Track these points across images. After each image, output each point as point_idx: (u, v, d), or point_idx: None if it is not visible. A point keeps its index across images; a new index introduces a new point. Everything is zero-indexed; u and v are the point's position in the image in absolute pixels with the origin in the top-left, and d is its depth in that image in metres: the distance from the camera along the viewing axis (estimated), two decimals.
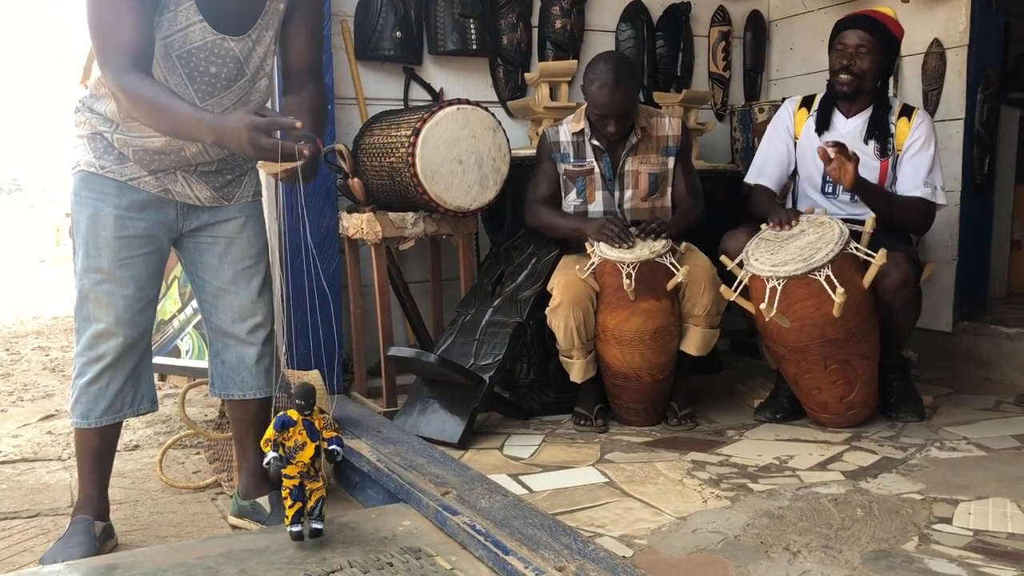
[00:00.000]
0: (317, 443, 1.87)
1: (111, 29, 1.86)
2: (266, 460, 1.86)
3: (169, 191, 2.12)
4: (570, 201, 3.03)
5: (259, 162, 1.84)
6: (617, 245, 2.74)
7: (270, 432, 1.86)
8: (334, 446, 1.89)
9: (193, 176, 2.13)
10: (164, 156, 2.07)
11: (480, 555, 1.84)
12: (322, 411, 1.91)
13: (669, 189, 3.04)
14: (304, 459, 1.86)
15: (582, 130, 3.01)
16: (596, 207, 3.01)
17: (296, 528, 1.89)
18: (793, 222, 2.76)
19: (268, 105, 2.17)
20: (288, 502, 1.89)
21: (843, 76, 2.90)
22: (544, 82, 3.55)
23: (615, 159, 2.99)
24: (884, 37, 2.89)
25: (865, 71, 2.88)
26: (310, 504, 1.90)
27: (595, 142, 2.99)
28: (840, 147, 2.72)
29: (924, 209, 2.92)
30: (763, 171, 3.08)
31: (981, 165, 3.63)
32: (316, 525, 1.91)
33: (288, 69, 2.14)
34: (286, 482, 1.87)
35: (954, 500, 2.17)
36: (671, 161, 3.03)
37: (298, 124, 1.78)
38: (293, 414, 1.86)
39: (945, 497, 2.19)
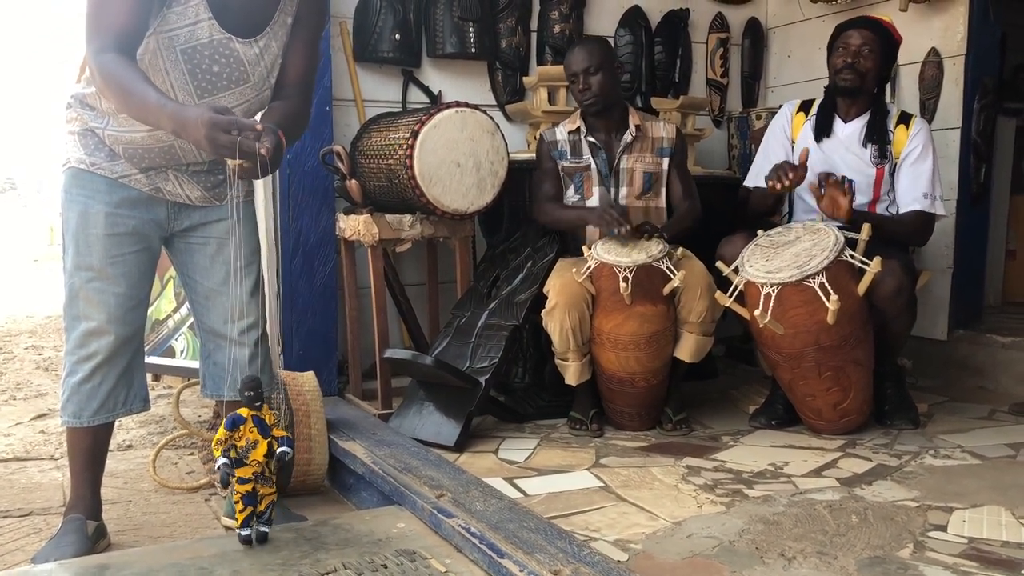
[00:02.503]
0: (269, 440, 1.85)
1: (107, 8, 1.87)
2: (216, 465, 1.84)
3: (160, 190, 2.10)
4: (568, 198, 3.07)
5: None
6: (617, 229, 2.77)
7: (221, 432, 1.84)
8: (284, 447, 1.87)
9: (184, 175, 2.12)
10: (154, 153, 2.06)
11: (475, 558, 1.83)
12: (276, 407, 1.89)
13: (663, 190, 3.07)
14: (258, 458, 1.84)
15: (578, 128, 3.06)
16: (593, 202, 3.05)
17: (246, 532, 1.88)
18: (790, 174, 2.74)
19: None
20: (239, 506, 1.87)
21: (846, 74, 2.90)
22: (542, 86, 3.55)
23: (611, 157, 3.04)
24: (886, 39, 2.92)
25: (868, 70, 2.90)
26: (261, 508, 1.88)
27: (591, 139, 3.04)
28: (831, 179, 2.72)
29: (923, 223, 2.93)
30: (760, 175, 3.08)
31: (977, 174, 3.65)
32: (263, 529, 1.90)
33: (279, 82, 2.14)
34: (238, 487, 1.85)
35: (949, 508, 2.17)
36: (665, 162, 3.07)
37: (258, 127, 1.78)
38: (244, 411, 1.85)
39: (940, 505, 2.19)
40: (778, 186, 2.77)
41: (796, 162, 2.94)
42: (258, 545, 1.89)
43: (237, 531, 1.88)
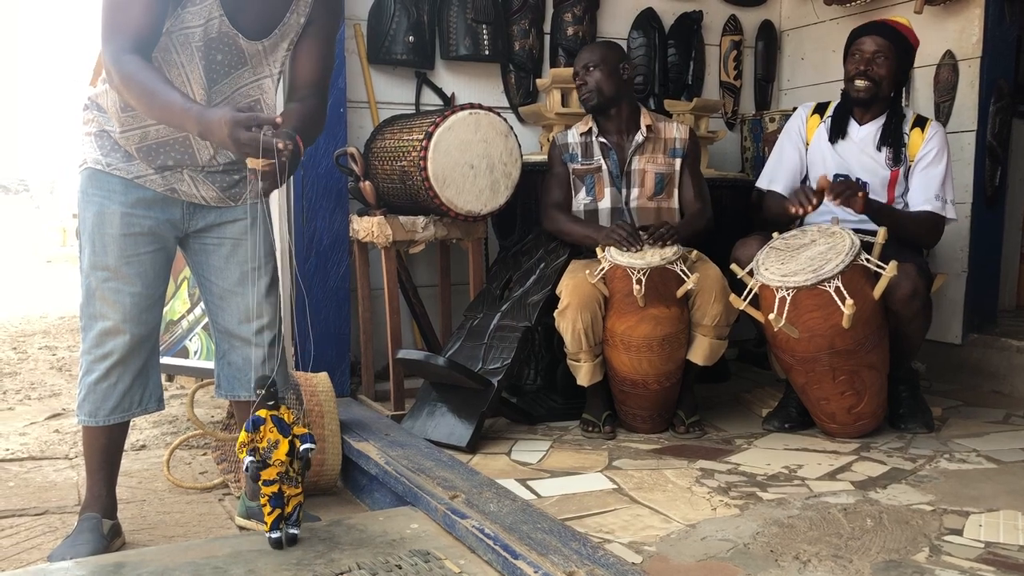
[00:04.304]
0: (290, 439, 1.86)
1: (124, 9, 1.88)
2: (244, 465, 1.85)
3: (175, 190, 2.11)
4: (580, 200, 3.06)
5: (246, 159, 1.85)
6: (627, 249, 2.75)
7: (243, 436, 1.84)
8: (307, 444, 1.88)
9: (200, 176, 2.13)
10: (168, 146, 2.06)
11: (489, 559, 1.83)
12: (290, 406, 1.90)
13: (675, 191, 3.07)
14: (280, 457, 1.84)
15: (590, 129, 3.08)
16: (605, 204, 3.04)
17: (276, 535, 1.88)
18: (814, 199, 2.72)
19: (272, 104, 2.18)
20: (267, 509, 1.87)
21: (859, 82, 2.89)
22: (555, 88, 3.55)
23: (622, 158, 3.04)
24: (901, 45, 2.90)
25: (882, 77, 2.88)
26: (288, 509, 1.89)
27: (602, 139, 3.04)
28: (841, 186, 2.70)
29: (933, 223, 2.92)
30: (775, 177, 3.08)
31: (992, 177, 3.63)
32: (293, 531, 1.90)
33: (294, 82, 2.15)
34: (265, 489, 1.85)
35: (964, 512, 2.16)
36: (678, 163, 3.06)
37: (278, 120, 1.80)
38: (263, 412, 1.85)
39: (955, 509, 2.18)
40: (800, 211, 2.74)
41: (807, 160, 2.95)
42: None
43: (267, 534, 1.89)
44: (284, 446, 1.85)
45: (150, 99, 1.86)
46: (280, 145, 1.77)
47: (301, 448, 1.87)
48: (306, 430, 1.91)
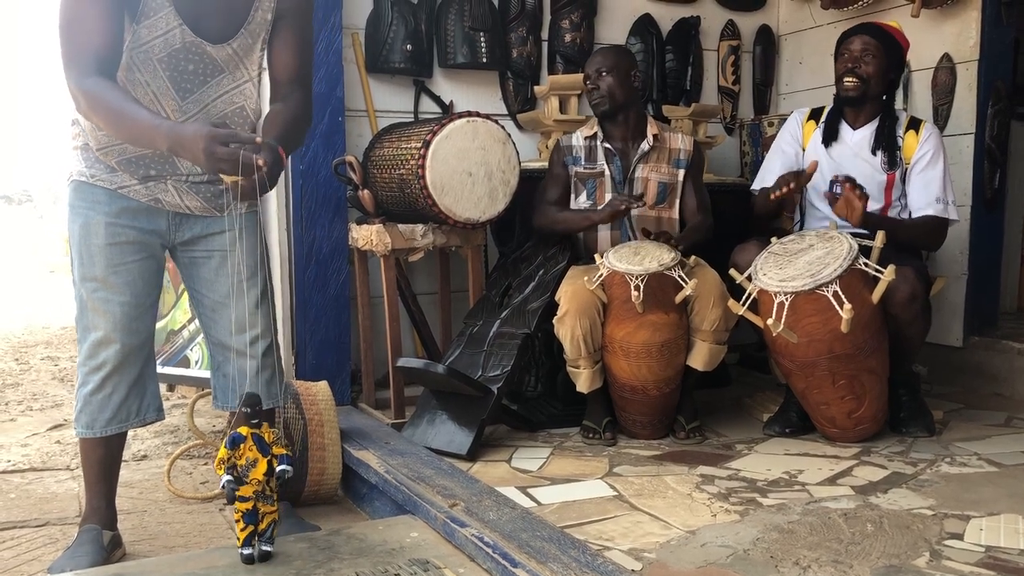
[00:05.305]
0: (268, 458, 1.85)
1: (79, 30, 1.87)
2: (221, 484, 1.85)
3: (159, 200, 2.11)
4: (580, 203, 3.08)
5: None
6: (629, 205, 2.81)
7: (222, 452, 1.84)
8: (283, 465, 1.87)
9: (184, 186, 2.13)
10: (147, 160, 2.06)
11: (488, 567, 1.83)
12: (271, 425, 1.89)
13: (677, 201, 3.08)
14: (258, 476, 1.84)
15: (595, 134, 3.09)
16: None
17: (247, 551, 1.87)
18: (792, 184, 2.77)
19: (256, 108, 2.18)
20: (240, 525, 1.86)
21: (848, 80, 2.91)
22: (554, 95, 3.56)
23: (626, 165, 3.05)
24: (889, 43, 2.91)
25: (870, 75, 2.89)
26: (262, 526, 1.88)
27: (607, 145, 3.05)
28: (851, 182, 2.72)
29: (936, 227, 2.92)
30: (768, 178, 3.08)
31: (991, 180, 3.63)
32: (266, 548, 1.89)
33: (275, 79, 2.14)
34: (239, 505, 1.85)
35: (965, 516, 2.15)
36: (681, 174, 3.07)
37: (257, 140, 1.79)
38: (243, 430, 1.85)
39: (956, 513, 2.17)
40: (778, 193, 2.79)
41: (803, 164, 2.95)
42: (260, 563, 1.88)
43: (239, 550, 1.88)
44: (263, 465, 1.84)
45: (118, 119, 1.85)
46: (260, 163, 1.76)
47: (278, 469, 1.86)
48: (285, 451, 1.90)
